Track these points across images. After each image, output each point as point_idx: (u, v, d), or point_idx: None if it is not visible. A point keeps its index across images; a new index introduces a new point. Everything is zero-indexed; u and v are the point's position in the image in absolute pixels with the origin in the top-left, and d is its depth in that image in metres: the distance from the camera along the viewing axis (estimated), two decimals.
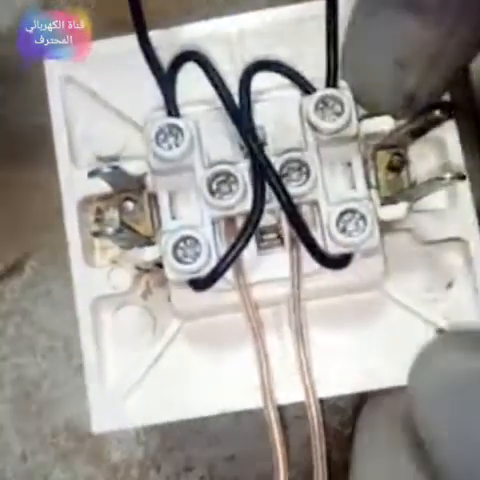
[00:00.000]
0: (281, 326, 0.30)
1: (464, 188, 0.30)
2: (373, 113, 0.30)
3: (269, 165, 0.28)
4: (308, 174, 0.28)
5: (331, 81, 0.29)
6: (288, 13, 0.31)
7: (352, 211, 0.28)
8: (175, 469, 0.36)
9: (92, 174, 0.27)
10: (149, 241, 0.30)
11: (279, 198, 0.28)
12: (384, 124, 0.29)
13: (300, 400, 0.29)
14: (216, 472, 0.36)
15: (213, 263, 0.28)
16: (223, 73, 0.30)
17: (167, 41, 0.31)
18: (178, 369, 0.31)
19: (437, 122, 0.28)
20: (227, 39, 0.31)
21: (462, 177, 0.27)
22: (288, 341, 0.30)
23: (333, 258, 0.29)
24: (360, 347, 0.30)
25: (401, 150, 0.30)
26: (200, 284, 0.28)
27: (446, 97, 0.30)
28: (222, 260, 0.28)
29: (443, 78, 0.28)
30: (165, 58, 0.31)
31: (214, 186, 0.28)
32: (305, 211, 0.29)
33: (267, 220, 0.29)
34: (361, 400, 0.33)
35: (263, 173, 0.28)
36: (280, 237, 0.30)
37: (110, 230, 0.27)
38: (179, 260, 0.28)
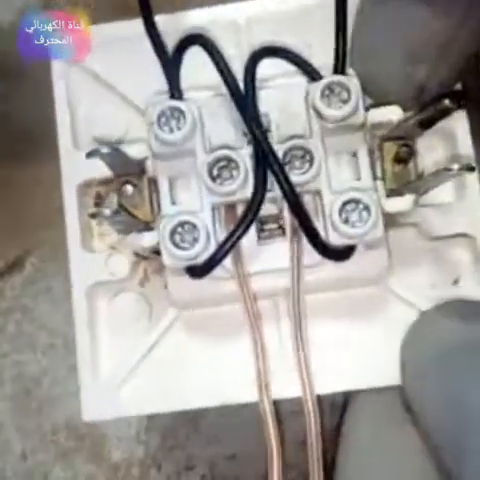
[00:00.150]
0: (279, 319, 0.30)
1: (473, 180, 0.29)
2: (381, 103, 0.29)
3: (272, 152, 0.27)
4: (311, 162, 0.28)
5: (339, 68, 0.29)
6: (295, 0, 0.31)
7: (355, 201, 0.27)
8: (176, 468, 0.36)
9: (91, 154, 0.27)
10: (148, 226, 0.29)
11: (281, 186, 0.27)
12: (392, 114, 0.29)
13: (297, 395, 0.28)
14: (217, 471, 0.36)
15: (211, 250, 0.27)
16: (228, 58, 0.29)
17: (172, 26, 0.31)
18: (174, 359, 0.30)
19: (447, 112, 0.27)
20: (233, 25, 0.31)
21: (471, 168, 0.26)
22: (286, 334, 0.29)
23: (335, 249, 0.28)
24: (360, 343, 0.29)
25: (409, 141, 0.29)
26: (197, 271, 0.28)
27: (458, 86, 0.29)
28: (221, 246, 0.27)
29: (454, 68, 0.27)
30: (170, 43, 0.30)
31: (215, 171, 0.28)
32: (307, 201, 0.29)
33: (268, 209, 0.29)
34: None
35: (265, 160, 0.27)
36: (281, 227, 0.29)
37: (107, 212, 0.26)
38: (176, 245, 0.27)
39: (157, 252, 0.29)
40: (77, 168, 0.30)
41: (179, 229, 0.27)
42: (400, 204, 0.28)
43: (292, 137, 0.28)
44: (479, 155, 0.29)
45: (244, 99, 0.28)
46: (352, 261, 0.28)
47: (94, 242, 0.31)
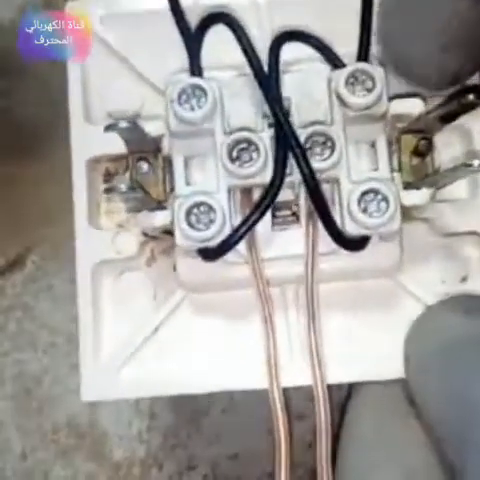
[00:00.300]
0: (291, 307, 0.29)
1: None
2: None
3: (293, 135, 0.27)
4: (333, 149, 0.27)
5: (362, 54, 0.28)
6: None
7: (375, 191, 0.27)
8: (178, 468, 0.35)
9: (109, 128, 0.26)
10: (160, 205, 0.28)
11: (302, 170, 0.27)
12: (414, 106, 0.29)
13: (307, 384, 0.28)
14: (219, 471, 0.35)
15: (226, 232, 0.27)
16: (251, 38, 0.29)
17: (193, 4, 0.30)
18: (177, 342, 0.29)
19: (470, 107, 0.27)
20: (256, 6, 0.30)
21: None
22: (297, 323, 0.29)
23: (351, 239, 0.27)
24: (370, 336, 0.29)
25: (428, 135, 0.29)
26: (210, 254, 0.27)
27: None
28: (236, 230, 0.27)
29: None
30: (192, 22, 0.30)
31: (234, 153, 0.27)
32: (324, 189, 0.28)
33: (283, 195, 0.28)
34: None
35: (287, 143, 0.27)
36: (294, 214, 0.29)
37: (123, 186, 0.26)
38: (192, 226, 0.27)
39: (167, 232, 0.29)
40: (88, 143, 0.30)
41: (195, 210, 0.27)
42: (417, 197, 0.28)
43: (313, 123, 0.28)
44: None
45: (267, 79, 0.28)
46: (366, 252, 0.28)
47: (101, 219, 0.30)
